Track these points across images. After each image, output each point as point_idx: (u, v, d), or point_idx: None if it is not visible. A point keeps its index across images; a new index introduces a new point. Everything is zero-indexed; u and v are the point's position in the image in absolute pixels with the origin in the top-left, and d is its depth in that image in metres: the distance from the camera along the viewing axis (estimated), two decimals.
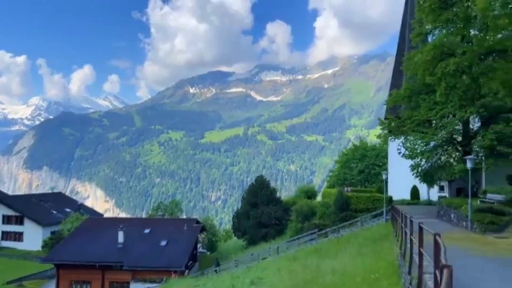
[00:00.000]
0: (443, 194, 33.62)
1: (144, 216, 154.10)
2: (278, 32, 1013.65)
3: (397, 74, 40.97)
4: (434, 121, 28.09)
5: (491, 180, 29.52)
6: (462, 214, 19.83)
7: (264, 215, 40.40)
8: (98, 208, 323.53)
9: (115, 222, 43.41)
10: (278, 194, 44.60)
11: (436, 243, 5.94)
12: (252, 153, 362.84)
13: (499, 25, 12.88)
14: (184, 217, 75.04)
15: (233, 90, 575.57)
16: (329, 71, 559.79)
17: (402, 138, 31.09)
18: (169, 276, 33.55)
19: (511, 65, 13.06)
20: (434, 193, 36.58)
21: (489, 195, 21.61)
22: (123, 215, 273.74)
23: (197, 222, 43.43)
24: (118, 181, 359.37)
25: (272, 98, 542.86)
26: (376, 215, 30.63)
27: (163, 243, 38.03)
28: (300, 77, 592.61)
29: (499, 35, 12.71)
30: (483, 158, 26.82)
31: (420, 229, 8.32)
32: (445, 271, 4.49)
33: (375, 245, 20.12)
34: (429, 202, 35.47)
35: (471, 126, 28.58)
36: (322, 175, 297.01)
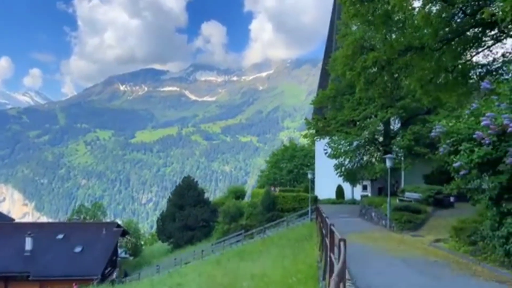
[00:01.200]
0: (365, 193, 34.56)
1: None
2: (213, 32, 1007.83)
3: (324, 75, 41.62)
4: (358, 122, 28.64)
5: (409, 179, 30.83)
6: (382, 213, 20.03)
7: (191, 217, 38.77)
8: (16, 212, 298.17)
9: (22, 227, 38.98)
10: (211, 195, 43.30)
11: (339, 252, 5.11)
12: (186, 154, 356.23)
13: (417, 21, 12.80)
14: (110, 220, 70.55)
15: (167, 88, 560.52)
16: (264, 74, 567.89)
17: (328, 138, 31.40)
18: (85, 284, 30.65)
19: (426, 63, 13.06)
20: (358, 192, 37.54)
21: (407, 194, 22.21)
22: (44, 219, 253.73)
23: (118, 225, 40.48)
24: (38, 182, 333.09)
25: (207, 98, 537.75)
26: (301, 214, 30.51)
27: (78, 249, 34.82)
28: (235, 78, 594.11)
29: (417, 32, 12.64)
30: (402, 158, 27.82)
31: (331, 232, 7.53)
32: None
33: (298, 246, 19.59)
34: (353, 201, 36.29)
35: (391, 127, 29.58)
36: (256, 176, 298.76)
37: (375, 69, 13.44)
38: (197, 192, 40.84)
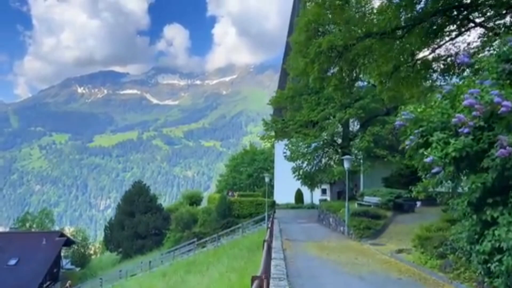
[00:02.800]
0: (324, 197, 33.37)
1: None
2: (176, 35, 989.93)
3: (283, 77, 40.37)
4: (316, 123, 27.36)
5: (369, 183, 29.82)
6: (340, 219, 18.64)
7: (141, 225, 36.07)
8: None
9: None
10: (172, 201, 40.61)
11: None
12: (147, 159, 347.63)
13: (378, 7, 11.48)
14: (60, 228, 65.54)
15: (127, 91, 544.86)
16: (227, 78, 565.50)
17: (287, 140, 29.96)
18: None
19: (387, 52, 11.73)
20: (317, 197, 36.36)
21: (366, 198, 20.97)
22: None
23: (61, 235, 37.15)
24: None
25: (169, 102, 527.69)
26: (258, 220, 28.72)
27: (13, 262, 31.46)
28: (198, 82, 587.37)
29: (380, 17, 11.28)
30: (361, 160, 26.75)
31: (268, 248, 5.74)
32: None
33: (249, 257, 17.79)
34: (312, 206, 35.07)
35: (350, 129, 28.52)
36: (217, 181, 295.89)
37: (331, 55, 11.95)
38: (149, 198, 38.17)
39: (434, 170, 5.20)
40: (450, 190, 5.75)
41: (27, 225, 56.51)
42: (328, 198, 33.18)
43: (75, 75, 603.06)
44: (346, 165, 17.04)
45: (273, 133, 31.14)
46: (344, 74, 13.52)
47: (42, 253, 32.70)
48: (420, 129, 5.54)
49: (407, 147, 5.91)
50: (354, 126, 29.09)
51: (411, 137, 5.73)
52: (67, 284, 30.92)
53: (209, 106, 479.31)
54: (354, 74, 15.25)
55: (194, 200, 40.94)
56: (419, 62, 14.47)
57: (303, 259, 10.90)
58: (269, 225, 15.21)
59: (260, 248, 19.10)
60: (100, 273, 35.90)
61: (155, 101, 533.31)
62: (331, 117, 26.02)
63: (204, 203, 41.50)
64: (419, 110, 5.80)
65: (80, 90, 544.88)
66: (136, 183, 39.87)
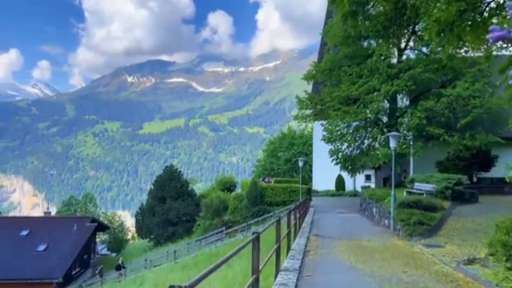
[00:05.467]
0: (368, 184, 29.80)
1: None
2: (220, 23, 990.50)
3: (321, 52, 36.71)
4: (358, 99, 23.80)
5: (420, 167, 25.77)
6: (385, 209, 15.34)
7: (172, 211, 34.40)
8: (26, 203, 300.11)
9: None
10: (206, 187, 38.71)
11: None
12: (193, 145, 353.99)
13: None
14: (110, 212, 65.95)
15: (174, 80, 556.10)
16: (271, 64, 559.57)
17: (324, 121, 26.65)
18: None
19: None
20: (360, 183, 32.85)
21: (417, 185, 17.35)
22: (54, 210, 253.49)
23: (93, 220, 36.37)
24: (48, 173, 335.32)
25: (214, 90, 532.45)
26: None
27: (42, 247, 30.82)
28: (242, 69, 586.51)
29: None
30: (411, 142, 22.93)
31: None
32: None
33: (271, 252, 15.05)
34: (354, 193, 31.67)
35: (398, 105, 24.67)
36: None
37: None
38: (180, 183, 36.37)
39: None
40: None
41: (72, 209, 57.47)
42: (373, 185, 29.58)
43: (124, 64, 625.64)
44: (392, 144, 13.72)
45: (308, 112, 27.82)
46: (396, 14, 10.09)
47: (71, 239, 31.93)
48: None
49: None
50: (403, 102, 25.15)
51: None
52: (97, 271, 30.03)
53: (253, 93, 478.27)
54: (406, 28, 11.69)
55: (228, 185, 38.70)
56: (490, 6, 10.79)
57: (328, 271, 7.96)
58: (293, 216, 12.28)
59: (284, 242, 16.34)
60: (132, 260, 34.84)
61: (200, 88, 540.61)
62: (375, 92, 22.37)
63: (238, 189, 39.22)
64: None
65: (129, 79, 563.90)
66: (167, 167, 38.20)
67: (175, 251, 25.65)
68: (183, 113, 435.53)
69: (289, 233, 10.12)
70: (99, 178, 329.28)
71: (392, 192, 13.58)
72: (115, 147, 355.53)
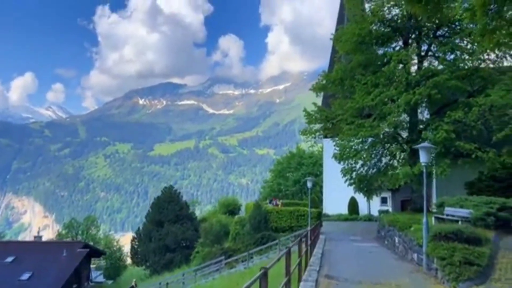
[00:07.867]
0: (385, 208, 26.67)
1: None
2: (231, 46, 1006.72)
3: (331, 63, 34.32)
4: (374, 112, 21.12)
5: (444, 189, 22.70)
6: (413, 241, 12.36)
7: (170, 236, 31.59)
8: (36, 224, 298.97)
9: None
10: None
11: None
12: (203, 167, 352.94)
13: None
14: (102, 236, 63.61)
15: (185, 102, 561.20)
16: (281, 87, 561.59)
17: (336, 138, 23.93)
18: None
19: None
20: (375, 207, 29.70)
21: (448, 210, 14.33)
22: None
23: (86, 245, 33.70)
24: (59, 195, 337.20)
25: (224, 111, 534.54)
26: (299, 235, 22.81)
27: (25, 276, 28.18)
28: (252, 91, 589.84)
29: None
30: (434, 160, 19.92)
31: None
32: None
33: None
34: (369, 218, 28.51)
35: (420, 118, 21.85)
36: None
37: None
38: (179, 206, 33.64)
39: None
40: None
41: (73, 232, 54.92)
42: (390, 209, 26.50)
43: (136, 87, 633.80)
44: (423, 158, 10.90)
45: (317, 127, 25.09)
46: None
47: (59, 266, 29.28)
48: None
49: None
50: (424, 115, 22.33)
51: None
52: None
53: (263, 115, 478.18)
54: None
55: (231, 208, 35.79)
56: None
57: None
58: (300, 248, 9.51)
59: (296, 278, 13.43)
60: None
61: (211, 110, 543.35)
62: (393, 102, 19.67)
63: (242, 212, 36.32)
64: None
65: (141, 101, 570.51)
66: (166, 188, 35.69)
67: (167, 284, 22.71)
68: (193, 135, 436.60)
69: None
70: (109, 199, 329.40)
71: (424, 219, 10.70)
72: (125, 169, 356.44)
